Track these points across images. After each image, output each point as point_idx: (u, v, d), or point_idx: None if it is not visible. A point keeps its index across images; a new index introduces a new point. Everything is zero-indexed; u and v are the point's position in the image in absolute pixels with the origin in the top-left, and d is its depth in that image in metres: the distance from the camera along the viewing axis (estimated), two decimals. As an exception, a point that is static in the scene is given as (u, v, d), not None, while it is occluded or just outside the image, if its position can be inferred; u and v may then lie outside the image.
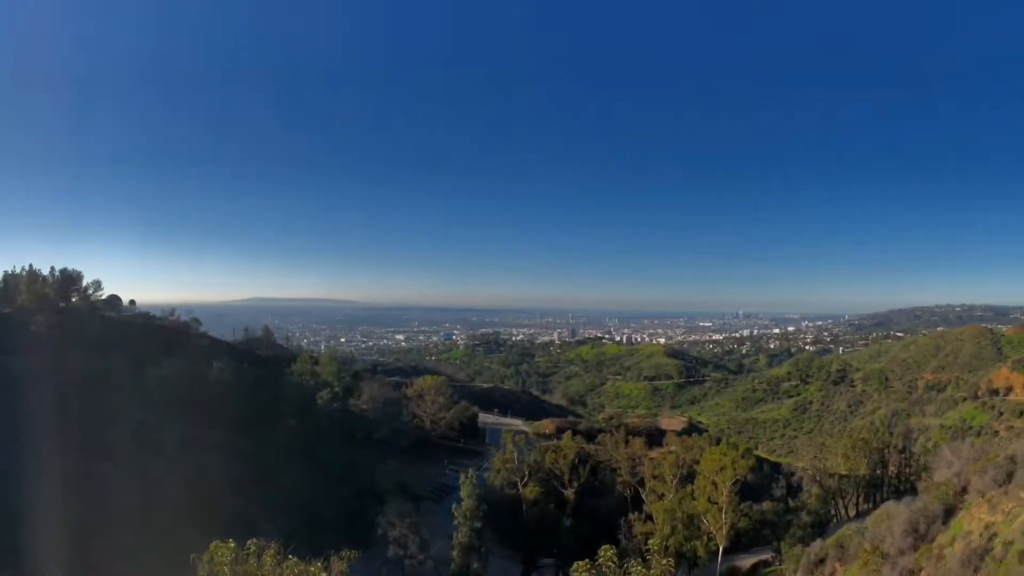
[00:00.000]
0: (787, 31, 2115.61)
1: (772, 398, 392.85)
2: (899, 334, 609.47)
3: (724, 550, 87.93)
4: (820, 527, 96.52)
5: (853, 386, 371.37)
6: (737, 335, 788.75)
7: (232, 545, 27.69)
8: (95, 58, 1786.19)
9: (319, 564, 28.78)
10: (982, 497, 55.37)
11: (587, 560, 29.52)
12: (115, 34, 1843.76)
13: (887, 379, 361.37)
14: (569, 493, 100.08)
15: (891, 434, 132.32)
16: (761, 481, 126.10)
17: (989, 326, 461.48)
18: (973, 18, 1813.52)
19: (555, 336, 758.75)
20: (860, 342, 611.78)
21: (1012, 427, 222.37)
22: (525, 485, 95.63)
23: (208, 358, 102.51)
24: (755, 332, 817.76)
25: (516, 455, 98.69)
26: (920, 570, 51.53)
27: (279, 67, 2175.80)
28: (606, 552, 29.40)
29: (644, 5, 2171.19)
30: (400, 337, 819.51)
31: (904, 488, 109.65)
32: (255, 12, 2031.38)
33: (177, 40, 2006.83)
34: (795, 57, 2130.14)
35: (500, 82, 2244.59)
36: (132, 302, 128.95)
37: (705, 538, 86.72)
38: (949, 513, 59.52)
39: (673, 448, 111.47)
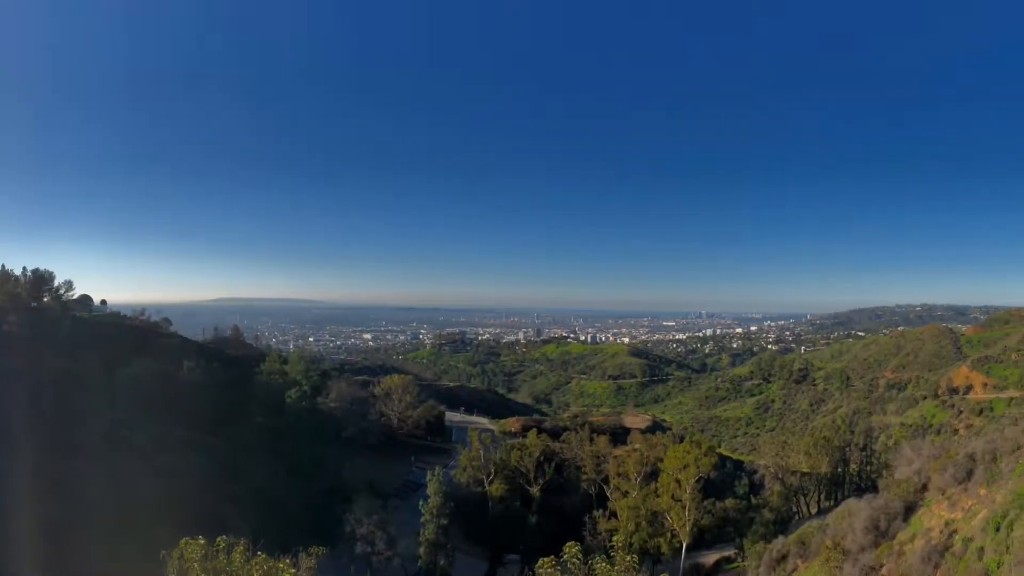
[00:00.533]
0: (750, 36, 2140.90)
1: (735, 397, 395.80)
2: (860, 333, 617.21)
3: (687, 547, 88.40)
4: (782, 524, 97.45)
5: (815, 385, 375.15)
6: (700, 334, 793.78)
7: (202, 542, 27.80)
8: (66, 59, 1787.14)
9: (288, 560, 28.78)
10: (942, 494, 56.00)
11: (552, 556, 29.70)
12: (87, 36, 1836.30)
13: (848, 378, 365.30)
14: (534, 490, 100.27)
15: (852, 432, 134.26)
16: (724, 479, 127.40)
17: (949, 325, 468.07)
18: (930, 21, 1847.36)
19: (521, 335, 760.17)
20: (822, 341, 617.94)
21: (972, 425, 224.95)
22: (491, 483, 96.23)
23: (178, 357, 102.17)
24: (718, 332, 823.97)
25: (482, 453, 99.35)
26: (881, 567, 51.93)
27: (250, 69, 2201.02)
28: (571, 549, 29.58)
29: (607, 7, 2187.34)
30: (368, 336, 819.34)
31: (865, 486, 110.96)
32: (225, 15, 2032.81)
33: (149, 42, 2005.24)
34: (757, 60, 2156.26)
35: (467, 84, 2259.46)
36: (103, 302, 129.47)
37: (669, 535, 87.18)
38: (910, 510, 60.17)
39: (637, 446, 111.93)
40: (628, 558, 30.32)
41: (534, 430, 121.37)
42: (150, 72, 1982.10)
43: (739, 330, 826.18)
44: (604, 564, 29.61)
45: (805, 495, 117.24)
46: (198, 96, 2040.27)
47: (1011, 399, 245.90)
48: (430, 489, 78.06)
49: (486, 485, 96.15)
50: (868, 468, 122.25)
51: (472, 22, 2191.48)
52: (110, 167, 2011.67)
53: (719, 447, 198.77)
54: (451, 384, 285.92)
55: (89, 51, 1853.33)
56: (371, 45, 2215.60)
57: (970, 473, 54.90)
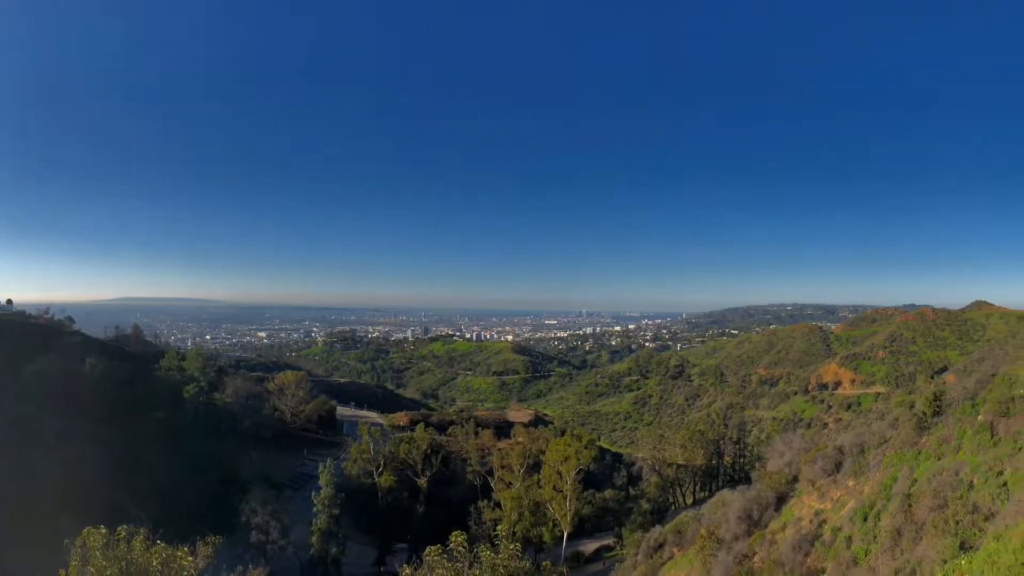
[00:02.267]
0: (628, 42, 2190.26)
1: (614, 392, 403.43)
2: (734, 331, 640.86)
3: (569, 536, 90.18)
4: (659, 514, 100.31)
5: (690, 381, 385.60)
6: (581, 332, 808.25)
7: (104, 531, 27.81)
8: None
9: (186, 549, 28.91)
10: (812, 486, 58.59)
11: (439, 545, 30.36)
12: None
13: (722, 374, 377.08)
14: (422, 482, 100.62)
15: (726, 426, 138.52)
16: (603, 470, 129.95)
17: (819, 324, 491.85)
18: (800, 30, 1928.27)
19: (409, 333, 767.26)
20: (697, 339, 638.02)
21: (840, 419, 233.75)
22: (380, 474, 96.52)
23: (81, 355, 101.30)
24: (598, 330, 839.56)
25: (372, 446, 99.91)
26: (754, 555, 53.90)
27: (148, 78, 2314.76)
28: (457, 537, 30.43)
29: (483, 12, 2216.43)
30: (262, 334, 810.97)
31: (739, 477, 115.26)
32: (127, 25, 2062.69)
33: (53, 50, 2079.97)
34: (637, 63, 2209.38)
35: (349, 92, 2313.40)
36: (9, 301, 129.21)
37: (551, 524, 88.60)
38: (781, 501, 62.78)
39: (520, 439, 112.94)
40: (511, 546, 31.31)
41: (422, 424, 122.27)
42: (51, 78, 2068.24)
43: (618, 328, 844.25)
44: (488, 552, 30.45)
45: (681, 486, 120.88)
46: (99, 103, 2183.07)
47: (878, 394, 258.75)
48: (322, 480, 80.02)
49: (376, 477, 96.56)
50: (741, 460, 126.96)
51: (340, 33, 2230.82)
52: (15, 170, 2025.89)
53: (599, 440, 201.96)
54: (342, 380, 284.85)
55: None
56: (263, 56, 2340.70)
57: (839, 465, 57.64)
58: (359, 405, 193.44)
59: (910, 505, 39.18)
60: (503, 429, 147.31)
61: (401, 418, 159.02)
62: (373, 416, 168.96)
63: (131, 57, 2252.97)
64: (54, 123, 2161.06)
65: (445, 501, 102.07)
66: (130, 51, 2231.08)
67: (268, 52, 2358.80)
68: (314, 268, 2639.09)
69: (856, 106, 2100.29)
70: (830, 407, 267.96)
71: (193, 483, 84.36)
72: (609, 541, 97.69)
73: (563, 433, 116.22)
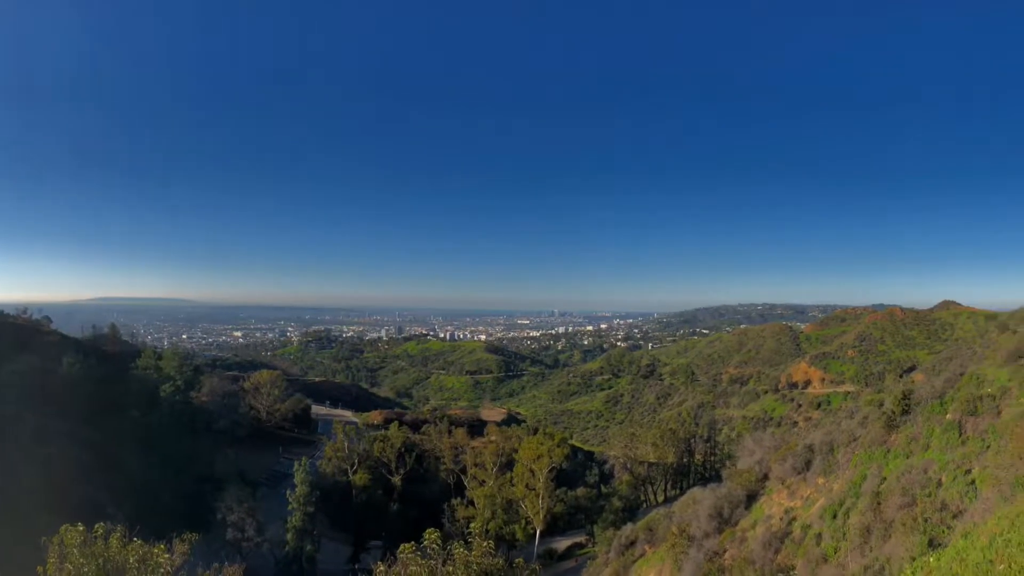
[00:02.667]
0: (601, 49, 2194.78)
1: (586, 391, 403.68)
2: (705, 331, 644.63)
3: (541, 533, 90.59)
4: (631, 512, 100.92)
5: (661, 380, 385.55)
6: (553, 332, 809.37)
7: (81, 529, 27.59)
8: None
9: (162, 546, 28.62)
10: (782, 484, 59.11)
11: (413, 542, 30.34)
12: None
13: (693, 373, 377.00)
14: (396, 480, 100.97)
15: (697, 425, 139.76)
16: (576, 469, 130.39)
17: (789, 323, 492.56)
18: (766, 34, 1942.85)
19: (383, 333, 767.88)
20: (668, 338, 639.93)
21: (810, 418, 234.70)
22: (355, 472, 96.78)
23: (58, 354, 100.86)
24: (570, 329, 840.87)
25: (346, 444, 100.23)
26: (724, 552, 54.35)
27: (124, 80, 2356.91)
28: (430, 535, 30.25)
29: (449, 16, 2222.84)
30: (238, 334, 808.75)
31: (709, 475, 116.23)
32: (102, 25, 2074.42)
33: (29, 50, 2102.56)
34: (606, 65, 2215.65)
35: (321, 94, 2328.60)
36: None
37: (523, 522, 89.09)
38: (752, 499, 63.33)
39: (493, 438, 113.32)
40: (485, 543, 31.22)
41: (396, 423, 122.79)
42: (28, 78, 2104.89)
43: (590, 328, 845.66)
44: (462, 549, 30.45)
45: (652, 484, 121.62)
46: (76, 105, 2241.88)
47: (847, 393, 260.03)
48: (297, 479, 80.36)
49: (350, 475, 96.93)
50: (712, 458, 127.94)
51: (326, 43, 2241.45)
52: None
53: (571, 439, 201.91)
54: (317, 379, 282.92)
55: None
56: (239, 60, 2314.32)
57: (808, 463, 58.15)
58: (334, 404, 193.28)
59: (879, 503, 39.63)
60: (476, 428, 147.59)
61: (375, 417, 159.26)
62: (348, 415, 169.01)
63: (106, 58, 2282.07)
64: (30, 124, 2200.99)
65: (419, 499, 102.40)
66: (105, 52, 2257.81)
67: (242, 53, 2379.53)
68: (290, 269, 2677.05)
69: (827, 106, 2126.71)
70: (800, 406, 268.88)
71: (169, 481, 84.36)
72: (581, 538, 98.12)
73: (536, 431, 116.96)
